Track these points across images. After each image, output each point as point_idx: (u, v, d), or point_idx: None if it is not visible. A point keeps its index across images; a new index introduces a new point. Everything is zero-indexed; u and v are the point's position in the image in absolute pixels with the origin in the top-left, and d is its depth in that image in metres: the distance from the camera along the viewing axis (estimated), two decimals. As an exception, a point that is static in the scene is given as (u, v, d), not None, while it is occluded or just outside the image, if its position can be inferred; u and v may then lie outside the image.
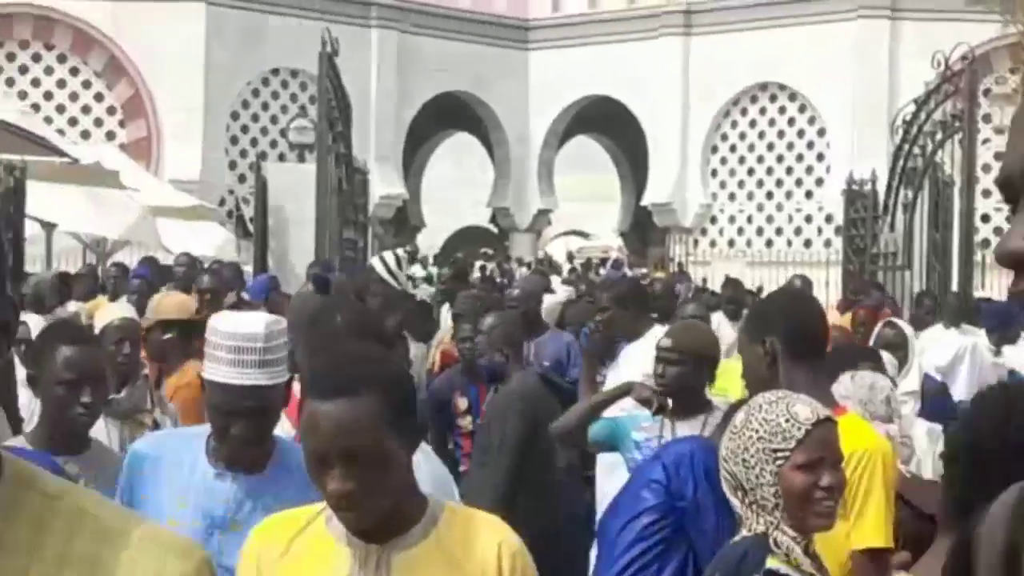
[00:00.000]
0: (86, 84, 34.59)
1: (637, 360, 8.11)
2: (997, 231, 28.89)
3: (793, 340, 4.63)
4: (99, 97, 34.57)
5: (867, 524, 4.29)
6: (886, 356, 9.02)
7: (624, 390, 6.66)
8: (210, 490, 3.84)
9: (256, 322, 3.93)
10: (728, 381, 6.88)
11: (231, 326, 3.90)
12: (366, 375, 2.85)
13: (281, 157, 30.28)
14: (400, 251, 18.38)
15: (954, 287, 19.48)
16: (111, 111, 34.72)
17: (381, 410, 2.74)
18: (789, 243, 36.26)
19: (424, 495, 2.99)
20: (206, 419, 4.77)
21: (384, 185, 34.38)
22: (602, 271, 33.45)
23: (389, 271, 15.90)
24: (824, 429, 3.57)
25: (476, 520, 3.02)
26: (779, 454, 3.49)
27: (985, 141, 26.06)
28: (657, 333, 7.63)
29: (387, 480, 2.77)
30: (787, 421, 3.50)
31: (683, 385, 6.24)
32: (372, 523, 2.81)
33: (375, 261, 17.73)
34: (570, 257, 41.62)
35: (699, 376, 6.37)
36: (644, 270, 31.86)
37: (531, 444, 7.55)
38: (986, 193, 26.09)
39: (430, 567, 2.80)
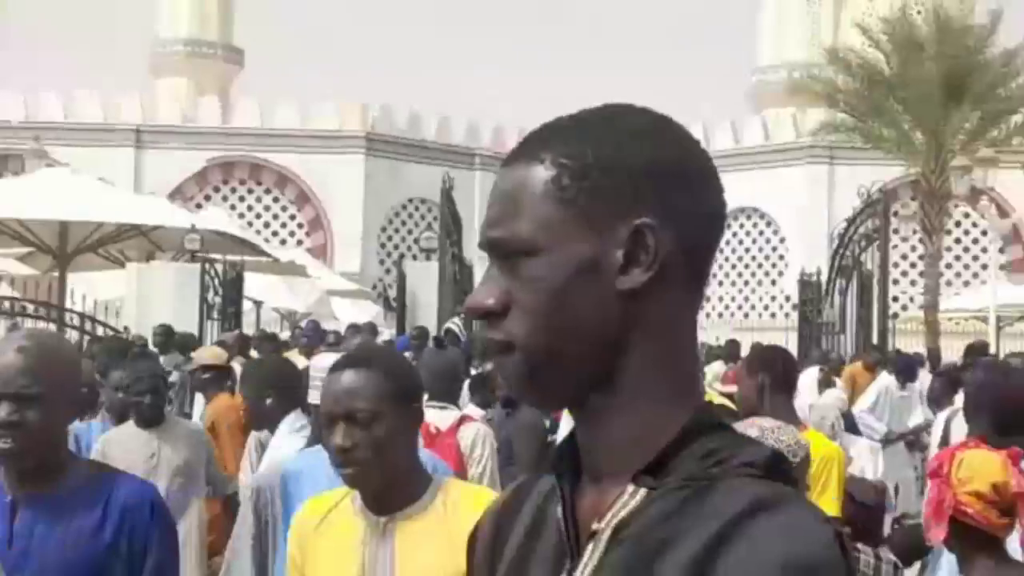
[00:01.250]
0: (283, 208, 39.81)
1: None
2: (904, 307, 33.40)
3: (777, 378, 5.48)
4: (292, 217, 39.67)
5: (826, 501, 4.93)
6: (838, 392, 10.99)
7: None
8: None
9: (330, 358, 3.86)
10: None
11: (323, 362, 4.14)
12: (373, 357, 3.10)
13: (414, 257, 31.96)
14: (457, 321, 19.75)
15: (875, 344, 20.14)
16: (300, 226, 39.69)
17: (381, 383, 2.85)
18: (760, 315, 39.85)
19: (429, 474, 3.04)
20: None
21: (483, 273, 38.71)
22: None
23: (460, 329, 17.96)
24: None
25: (473, 493, 3.05)
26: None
27: (894, 247, 28.94)
28: None
29: (383, 446, 2.80)
30: (796, 443, 4.03)
31: None
32: (370, 485, 2.86)
33: (452, 324, 19.53)
34: None
35: None
36: None
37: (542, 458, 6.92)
38: (895, 282, 30.00)
39: (429, 535, 2.78)
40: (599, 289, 1.22)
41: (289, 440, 5.50)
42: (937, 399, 10.72)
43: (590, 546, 1.22)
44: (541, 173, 1.23)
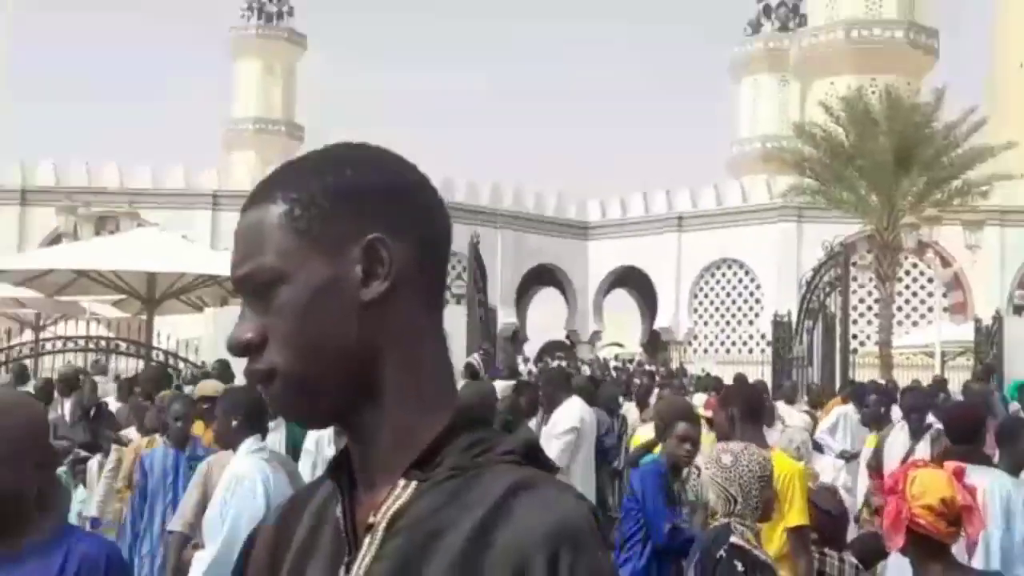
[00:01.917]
0: None
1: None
2: (862, 344, 32.84)
3: (745, 410, 5.47)
4: None
5: (794, 513, 5.01)
6: (804, 418, 11.38)
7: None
8: None
9: None
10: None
11: None
12: None
13: (447, 302, 33.86)
14: (477, 356, 20.49)
15: (837, 377, 20.68)
16: None
17: None
18: (739, 350, 39.57)
19: None
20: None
21: (505, 316, 36.24)
22: (625, 365, 35.51)
23: (479, 363, 16.72)
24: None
25: None
26: (762, 481, 4.02)
27: (854, 292, 28.97)
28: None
29: None
30: (761, 462, 4.07)
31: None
32: None
33: (472, 359, 19.10)
34: (615, 357, 43.34)
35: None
36: (654, 367, 32.07)
37: None
38: (854, 322, 29.82)
39: None
40: (344, 305, 1.18)
41: (246, 460, 5.39)
42: (876, 420, 10.65)
43: (367, 538, 1.18)
44: (275, 210, 1.20)
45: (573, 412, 8.73)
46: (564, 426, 8.49)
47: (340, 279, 1.19)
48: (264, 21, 73.46)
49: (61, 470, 6.70)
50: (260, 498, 4.98)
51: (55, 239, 29.33)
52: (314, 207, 1.20)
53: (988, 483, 5.20)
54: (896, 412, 11.88)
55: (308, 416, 1.27)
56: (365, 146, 1.29)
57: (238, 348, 1.22)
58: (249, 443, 5.55)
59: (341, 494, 1.23)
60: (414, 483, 1.18)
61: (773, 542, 4.89)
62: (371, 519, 1.18)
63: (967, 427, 5.78)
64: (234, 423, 5.75)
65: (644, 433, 8.39)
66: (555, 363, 30.99)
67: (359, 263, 1.19)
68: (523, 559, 1.10)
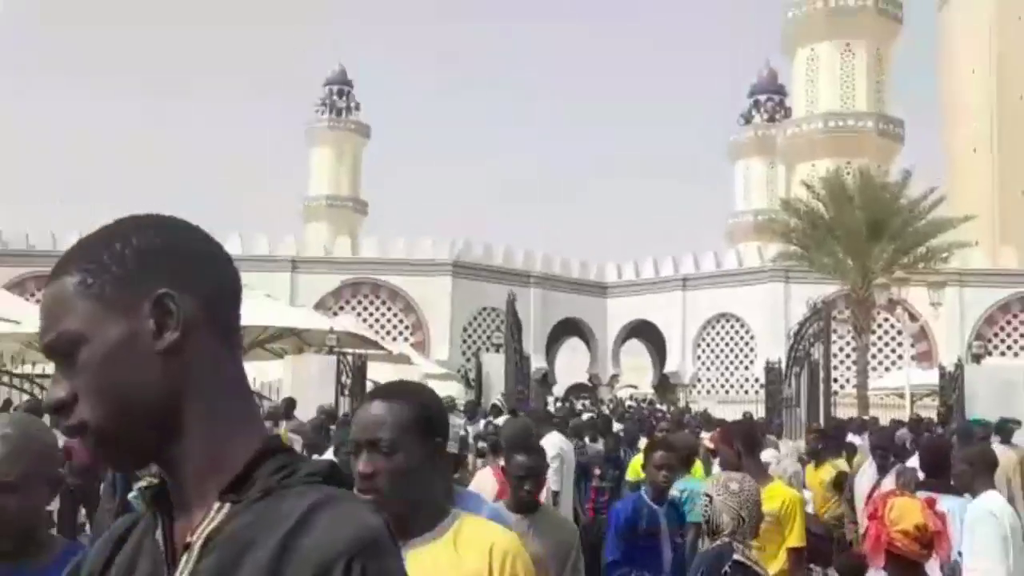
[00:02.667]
0: (395, 315, 39.28)
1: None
2: (842, 386, 31.12)
3: (746, 444, 5.37)
4: (401, 321, 39.20)
5: (795, 536, 4.92)
6: (798, 451, 10.96)
7: None
8: None
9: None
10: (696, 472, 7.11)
11: None
12: (404, 391, 2.32)
13: (488, 350, 29.56)
14: (500, 397, 20.82)
15: (821, 415, 19.60)
16: (407, 328, 39.00)
17: (407, 415, 2.20)
18: (736, 392, 39.19)
19: (448, 508, 2.36)
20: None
21: (536, 362, 35.55)
22: (636, 403, 35.27)
23: (502, 403, 18.36)
24: None
25: (481, 527, 2.36)
26: (758, 505, 3.99)
27: (834, 342, 26.24)
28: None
29: (404, 474, 2.18)
30: (750, 490, 3.98)
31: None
32: (390, 511, 1.95)
33: (497, 399, 19.73)
34: (630, 397, 42.91)
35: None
36: (664, 406, 33.63)
37: None
38: (835, 368, 26.92)
39: (436, 562, 2.19)
40: (142, 357, 1.13)
41: None
42: (813, 454, 10.15)
43: (184, 557, 1.11)
44: (70, 280, 1.15)
45: (554, 442, 8.86)
46: (548, 455, 8.65)
47: (136, 334, 1.14)
48: (335, 115, 74.32)
49: (132, 495, 6.35)
50: None
51: None
52: (105, 273, 1.15)
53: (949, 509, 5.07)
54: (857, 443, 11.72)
55: (122, 462, 1.21)
56: (151, 216, 1.23)
57: (51, 407, 1.16)
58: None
59: (160, 520, 1.17)
60: (227, 505, 1.13)
61: (778, 560, 4.83)
62: (188, 539, 1.12)
63: (937, 461, 5.72)
64: None
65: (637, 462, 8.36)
66: (580, 403, 30.68)
67: (150, 317, 1.14)
68: (323, 566, 1.06)
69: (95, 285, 1.15)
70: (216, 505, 1.13)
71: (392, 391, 2.32)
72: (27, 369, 17.26)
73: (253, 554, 1.08)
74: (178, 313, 1.15)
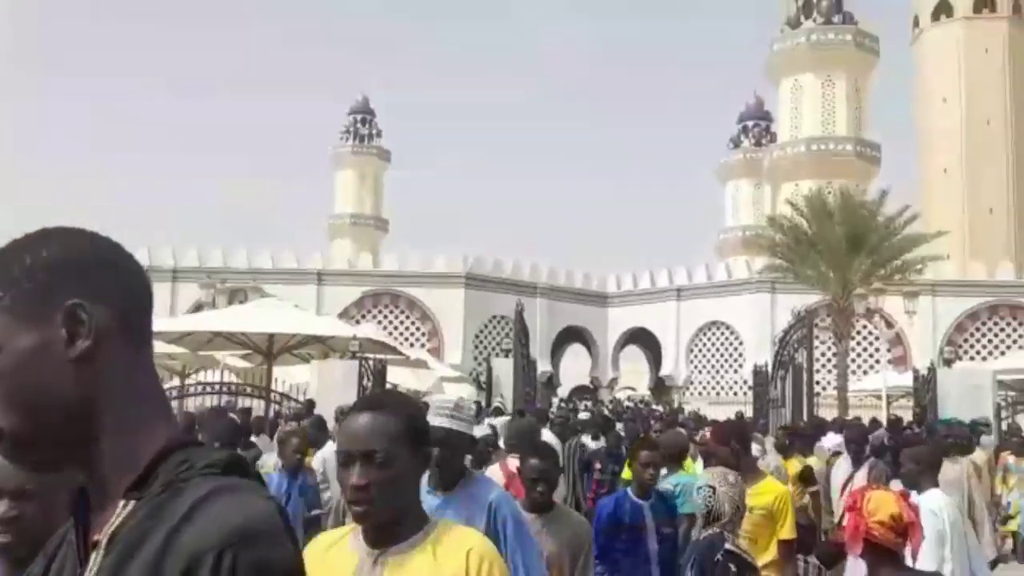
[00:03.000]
0: (412, 323, 39.22)
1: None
2: (824, 388, 30.97)
3: (743, 444, 5.24)
4: (418, 328, 39.11)
5: (786, 528, 4.85)
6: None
7: None
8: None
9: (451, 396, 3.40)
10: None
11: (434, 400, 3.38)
12: (392, 401, 2.18)
13: (497, 355, 29.80)
14: (501, 397, 20.93)
15: (804, 414, 19.86)
16: (423, 335, 38.93)
17: (398, 427, 2.07)
18: (726, 393, 39.00)
19: (427, 516, 2.20)
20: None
21: (542, 366, 36.05)
22: (636, 404, 35.57)
23: (503, 404, 18.43)
24: None
25: (459, 533, 2.19)
26: (744, 497, 3.99)
27: (817, 348, 25.72)
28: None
29: (395, 484, 2.05)
30: (735, 483, 3.97)
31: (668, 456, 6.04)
32: (379, 520, 2.07)
33: (498, 401, 19.95)
34: (628, 398, 43.74)
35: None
36: (659, 407, 33.52)
37: None
38: (817, 371, 26.50)
39: (416, 568, 2.06)
40: (55, 364, 1.09)
41: None
42: (781, 449, 9.84)
43: (93, 554, 1.07)
44: None
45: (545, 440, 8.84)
46: None
47: (48, 343, 1.10)
48: (358, 141, 74.62)
49: None
50: None
51: (197, 307, 28.71)
52: (15, 286, 1.11)
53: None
54: (828, 441, 11.64)
55: (39, 465, 1.15)
56: (62, 228, 1.18)
57: None
58: None
59: (76, 521, 1.14)
60: (132, 502, 1.08)
61: (769, 552, 4.77)
62: (95, 537, 1.08)
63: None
64: (216, 444, 5.69)
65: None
66: (582, 403, 30.52)
67: (62, 327, 1.10)
68: (195, 558, 1.00)
69: (6, 298, 1.11)
70: (121, 503, 1.09)
71: (381, 402, 2.19)
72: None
73: (142, 551, 1.04)
74: (90, 322, 1.11)
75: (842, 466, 8.30)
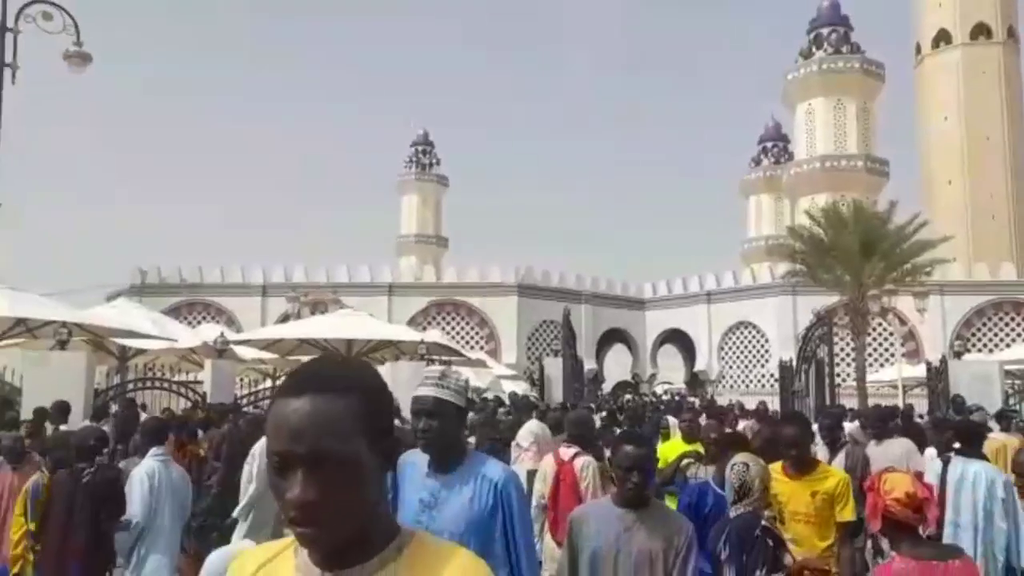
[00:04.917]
0: (472, 328, 38.95)
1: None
2: (844, 380, 30.38)
3: (807, 435, 4.79)
4: (477, 333, 38.84)
5: (847, 510, 4.52)
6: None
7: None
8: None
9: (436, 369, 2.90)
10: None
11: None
12: (344, 376, 1.19)
13: (548, 356, 29.53)
14: (534, 393, 20.97)
15: (827, 403, 19.50)
16: (482, 338, 38.30)
17: (357, 412, 1.15)
18: (755, 386, 38.27)
19: (396, 522, 1.28)
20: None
21: (588, 364, 34.87)
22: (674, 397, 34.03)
23: (536, 398, 18.18)
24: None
25: (443, 554, 1.23)
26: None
27: (836, 344, 27.07)
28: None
29: (355, 494, 1.15)
30: (759, 466, 3.86)
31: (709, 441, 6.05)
32: (332, 545, 1.16)
33: (531, 395, 19.82)
34: (665, 392, 40.94)
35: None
36: (694, 398, 32.89)
37: None
38: (837, 365, 27.23)
39: None
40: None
41: (147, 460, 5.78)
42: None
43: None
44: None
45: (532, 427, 8.87)
46: (526, 439, 8.49)
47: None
48: (420, 170, 75.59)
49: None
50: (145, 482, 5.53)
51: (284, 318, 29.38)
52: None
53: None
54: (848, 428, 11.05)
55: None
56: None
57: None
58: (153, 450, 5.82)
59: None
60: None
61: (830, 535, 4.54)
62: None
63: (967, 437, 5.70)
64: (145, 439, 6.01)
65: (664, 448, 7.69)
66: (626, 396, 30.30)
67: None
68: None
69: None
70: None
71: (327, 380, 1.19)
72: (182, 377, 17.63)
73: None
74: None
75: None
